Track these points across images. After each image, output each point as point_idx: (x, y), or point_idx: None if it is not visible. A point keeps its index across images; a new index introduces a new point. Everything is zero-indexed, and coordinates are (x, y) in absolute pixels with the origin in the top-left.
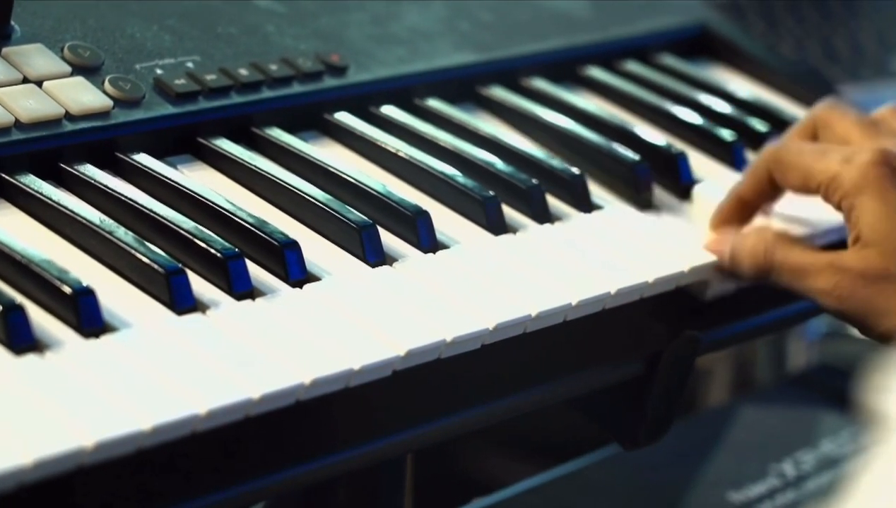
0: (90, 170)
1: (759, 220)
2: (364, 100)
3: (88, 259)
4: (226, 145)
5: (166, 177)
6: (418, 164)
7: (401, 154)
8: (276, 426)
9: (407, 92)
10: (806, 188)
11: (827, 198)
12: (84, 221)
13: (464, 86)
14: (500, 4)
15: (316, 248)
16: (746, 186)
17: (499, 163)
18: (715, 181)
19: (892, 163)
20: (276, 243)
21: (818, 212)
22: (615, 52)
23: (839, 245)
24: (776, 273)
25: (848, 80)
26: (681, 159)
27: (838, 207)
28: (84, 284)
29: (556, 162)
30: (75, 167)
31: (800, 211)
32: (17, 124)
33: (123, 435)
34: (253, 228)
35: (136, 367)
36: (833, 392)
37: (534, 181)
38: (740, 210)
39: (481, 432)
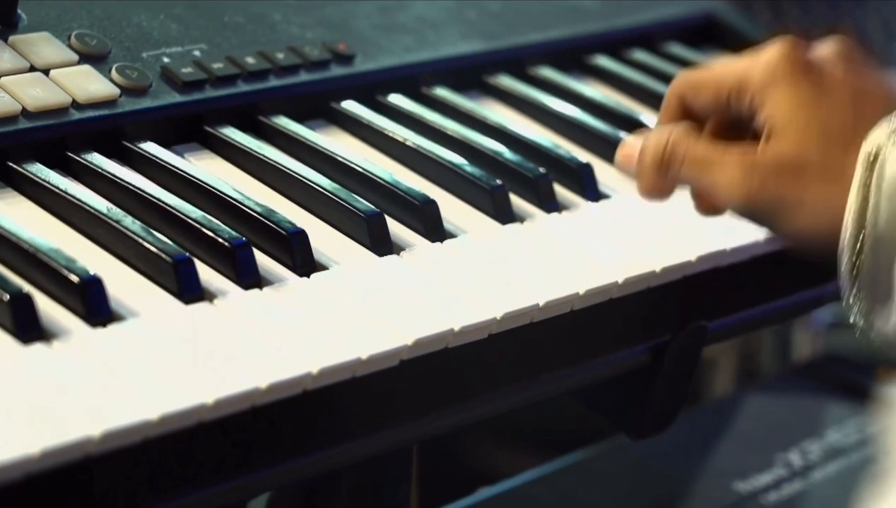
0: (97, 159)
1: None
2: (371, 89)
3: (96, 248)
4: (233, 134)
5: (173, 166)
6: (425, 153)
7: (408, 143)
8: (282, 416)
9: (414, 80)
10: (719, 99)
11: (739, 104)
12: (91, 210)
13: (471, 74)
14: None
15: (323, 237)
16: (662, 115)
17: (506, 152)
18: None
19: (798, 54)
20: (283, 232)
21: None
22: (622, 40)
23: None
24: (678, 164)
25: None
26: None
27: (750, 109)
28: (91, 273)
29: (563, 151)
30: (82, 156)
31: None
32: (24, 112)
33: (130, 425)
34: (260, 217)
35: (143, 356)
36: (839, 381)
37: (541, 170)
38: None
39: (487, 422)
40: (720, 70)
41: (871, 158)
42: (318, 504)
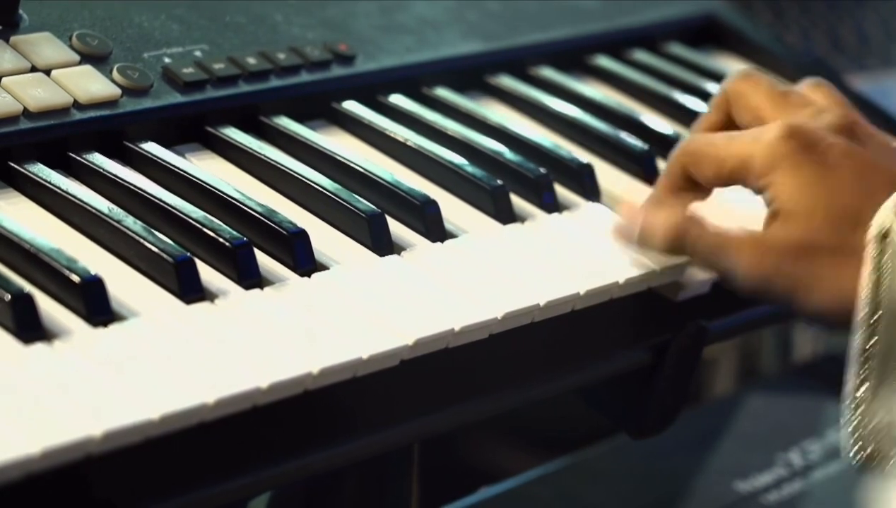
0: (98, 159)
1: None
2: (372, 89)
3: (97, 248)
4: (234, 134)
5: (174, 166)
6: (426, 153)
7: (409, 143)
8: (283, 415)
9: (415, 81)
10: (720, 176)
11: (743, 183)
12: (92, 210)
13: (471, 75)
14: None
15: (324, 237)
16: (663, 187)
17: (507, 153)
18: None
19: (799, 135)
20: (284, 232)
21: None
22: (623, 40)
23: None
24: (691, 248)
25: (854, 69)
26: None
27: (755, 189)
28: (93, 273)
29: (563, 151)
30: (83, 156)
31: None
32: (26, 113)
33: (131, 425)
34: (261, 217)
35: (144, 356)
36: (840, 381)
37: (542, 170)
38: None
39: (488, 421)
40: (722, 148)
41: (882, 235)
42: (319, 503)
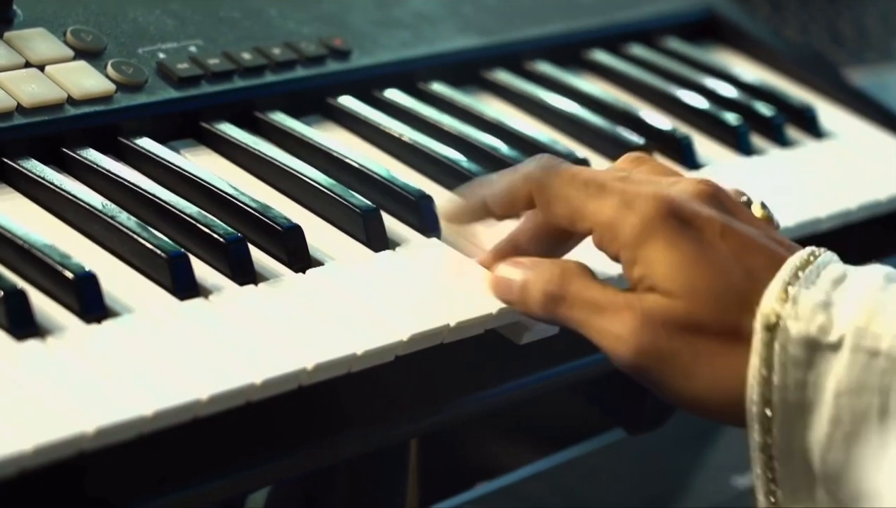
0: (92, 155)
1: None
2: (367, 85)
3: (90, 244)
4: (229, 129)
5: (169, 162)
6: (422, 148)
7: (404, 138)
8: (278, 411)
9: (410, 76)
10: (573, 227)
11: (600, 245)
12: (86, 206)
13: (467, 69)
14: None
15: (319, 233)
16: (499, 198)
17: (503, 148)
18: (720, 165)
19: (675, 209)
20: (278, 227)
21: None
22: (620, 35)
23: None
24: (567, 306)
25: (853, 63)
26: (686, 143)
27: (614, 258)
28: (86, 269)
29: (560, 146)
30: (78, 151)
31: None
32: (20, 109)
33: (125, 421)
34: (256, 213)
35: (137, 353)
36: None
37: None
38: (480, 218)
39: (486, 417)
40: (583, 199)
41: (769, 326)
42: (318, 497)
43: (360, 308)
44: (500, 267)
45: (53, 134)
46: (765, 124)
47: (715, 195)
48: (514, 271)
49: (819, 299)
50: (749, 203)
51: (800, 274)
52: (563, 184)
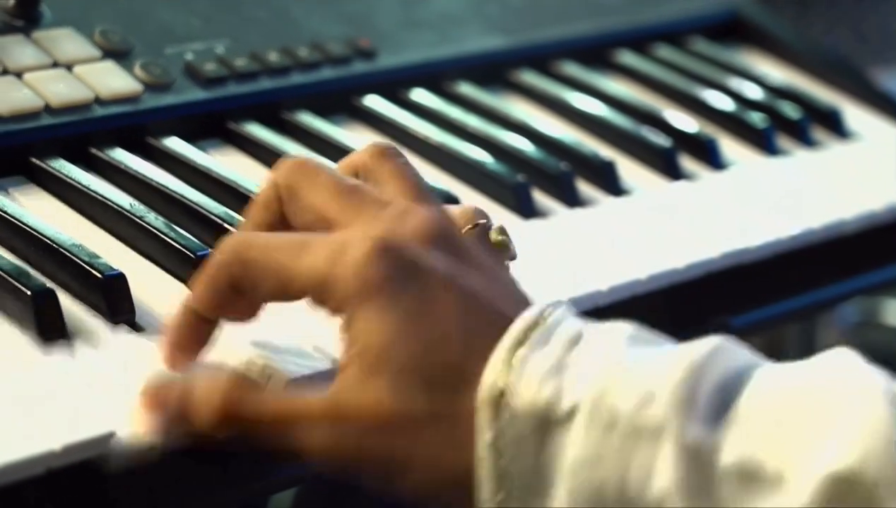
0: (120, 155)
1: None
2: (393, 85)
3: (119, 244)
4: (255, 130)
5: (196, 162)
6: (448, 149)
7: (430, 139)
8: None
9: (436, 76)
10: (286, 296)
11: (318, 306)
12: (114, 206)
13: (493, 70)
14: None
15: None
16: (203, 298)
17: (529, 149)
18: (746, 166)
19: (394, 256)
20: None
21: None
22: (646, 36)
23: None
24: (247, 428)
25: (878, 64)
26: (712, 144)
27: (333, 314)
28: (114, 269)
29: (586, 147)
30: (105, 151)
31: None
32: (48, 109)
33: None
34: None
35: None
36: None
37: (564, 166)
38: (201, 331)
39: None
40: (287, 259)
41: (495, 397)
42: (344, 497)
43: None
44: (147, 389)
45: (81, 134)
46: (790, 125)
47: (442, 234)
48: (167, 389)
49: (549, 364)
50: (488, 227)
51: (531, 334)
52: (261, 250)
